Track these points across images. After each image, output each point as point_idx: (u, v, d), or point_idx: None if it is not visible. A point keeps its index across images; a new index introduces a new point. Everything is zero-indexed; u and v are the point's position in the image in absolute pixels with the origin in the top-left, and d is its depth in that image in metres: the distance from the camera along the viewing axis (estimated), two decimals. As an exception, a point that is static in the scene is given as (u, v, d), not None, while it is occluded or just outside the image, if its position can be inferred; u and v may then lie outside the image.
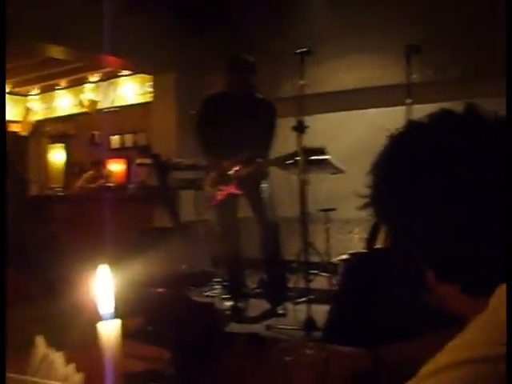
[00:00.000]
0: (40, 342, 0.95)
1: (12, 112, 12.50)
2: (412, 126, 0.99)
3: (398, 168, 0.92)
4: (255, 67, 5.34)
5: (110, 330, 0.85)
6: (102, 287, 0.86)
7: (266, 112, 5.36)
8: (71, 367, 0.90)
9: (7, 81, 11.40)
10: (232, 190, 5.31)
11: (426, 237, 0.87)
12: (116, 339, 0.86)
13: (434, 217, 0.85)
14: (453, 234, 0.84)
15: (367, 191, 0.97)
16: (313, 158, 5.55)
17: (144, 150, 8.59)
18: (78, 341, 1.13)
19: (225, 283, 6.40)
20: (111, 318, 0.85)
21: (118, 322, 0.86)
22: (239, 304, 5.48)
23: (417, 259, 0.91)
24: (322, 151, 5.01)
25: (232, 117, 5.32)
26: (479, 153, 0.84)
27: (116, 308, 0.87)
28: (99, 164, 9.70)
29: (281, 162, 5.26)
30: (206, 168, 5.61)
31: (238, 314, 5.33)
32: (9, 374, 0.88)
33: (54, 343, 0.98)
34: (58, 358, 0.92)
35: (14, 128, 12.47)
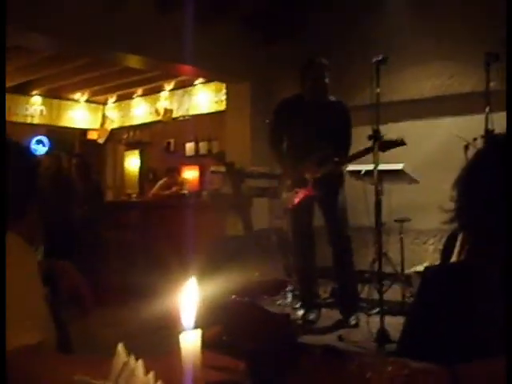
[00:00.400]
0: (121, 349, 0.96)
1: (90, 120, 12.82)
2: (496, 141, 0.97)
3: (485, 183, 0.89)
4: (329, 69, 5.31)
5: (191, 341, 0.85)
6: (186, 298, 0.87)
7: (340, 113, 5.34)
8: (151, 375, 0.91)
9: (86, 90, 11.71)
10: (309, 192, 5.25)
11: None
12: (196, 349, 0.86)
13: None
14: None
15: (452, 205, 0.95)
16: (388, 168, 5.49)
17: (218, 158, 8.67)
18: (158, 348, 1.15)
19: (297, 292, 6.39)
20: (193, 328, 0.86)
21: (198, 333, 0.86)
22: (311, 314, 5.44)
23: (503, 274, 0.89)
24: (401, 142, 4.90)
25: (307, 119, 5.29)
26: None
27: (195, 318, 0.87)
28: (174, 171, 9.82)
29: (357, 158, 5.17)
30: (282, 172, 5.57)
31: (309, 325, 5.29)
32: (93, 381, 0.89)
33: (132, 347, 0.99)
34: (138, 366, 0.93)
35: (91, 135, 12.78)
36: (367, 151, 4.92)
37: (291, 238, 5.73)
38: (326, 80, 5.29)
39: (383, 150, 4.83)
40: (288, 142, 5.53)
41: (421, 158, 6.64)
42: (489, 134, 4.89)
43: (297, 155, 5.35)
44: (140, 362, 0.93)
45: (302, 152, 5.30)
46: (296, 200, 5.32)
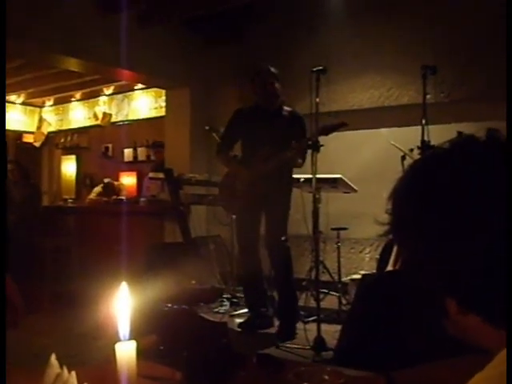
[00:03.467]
0: (54, 360, 0.93)
1: (26, 123, 12.58)
2: (433, 153, 0.97)
3: (420, 196, 0.90)
4: (278, 78, 5.34)
5: (126, 351, 0.84)
6: (120, 306, 0.85)
7: (294, 121, 5.35)
8: (84, 387, 0.89)
9: (22, 91, 11.49)
10: (258, 190, 5.23)
11: (449, 266, 0.85)
12: (131, 360, 0.85)
13: (456, 246, 0.84)
14: (476, 263, 0.82)
15: (387, 218, 0.95)
16: (326, 176, 5.55)
17: (157, 165, 8.63)
18: (89, 358, 1.12)
19: (234, 300, 6.38)
20: (127, 339, 0.84)
21: (133, 344, 0.85)
22: (253, 320, 5.44)
23: (437, 288, 0.89)
24: (342, 124, 4.98)
25: (261, 126, 5.30)
26: (502, 180, 0.82)
27: (130, 327, 0.86)
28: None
29: (301, 147, 5.17)
30: (234, 170, 5.54)
31: (250, 331, 5.29)
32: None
33: (64, 356, 0.97)
34: (71, 377, 0.90)
35: (27, 138, 12.54)
36: (309, 140, 4.94)
37: (236, 244, 5.71)
38: (276, 85, 5.31)
39: (326, 134, 4.88)
40: (242, 150, 5.55)
41: (359, 167, 6.73)
42: (425, 146, 5.00)
43: (248, 162, 5.36)
44: (73, 373, 0.91)
45: (253, 158, 5.31)
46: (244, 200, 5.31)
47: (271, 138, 5.23)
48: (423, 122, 5.18)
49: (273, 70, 5.37)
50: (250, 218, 5.42)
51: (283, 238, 5.22)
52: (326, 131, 4.89)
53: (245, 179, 5.29)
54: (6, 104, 12.08)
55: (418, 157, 4.72)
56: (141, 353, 0.89)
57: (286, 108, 5.42)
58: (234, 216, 5.88)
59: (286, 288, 5.40)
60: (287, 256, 5.35)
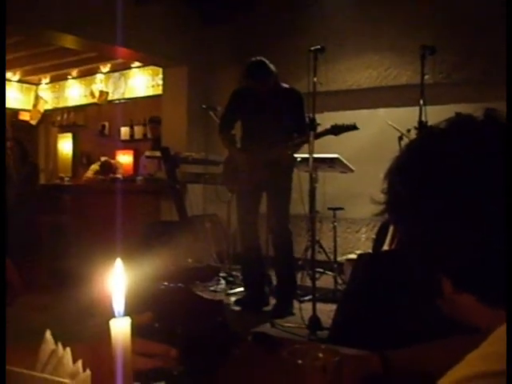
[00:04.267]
0: (48, 336, 0.93)
1: (22, 100, 12.53)
2: (430, 132, 0.97)
3: (415, 175, 0.90)
4: (271, 69, 5.27)
5: (121, 327, 0.84)
6: (115, 283, 0.85)
7: (291, 98, 5.32)
8: (79, 364, 0.89)
9: (18, 69, 11.44)
10: (262, 175, 5.23)
11: (444, 245, 0.85)
12: (126, 337, 0.85)
13: (452, 225, 0.83)
14: (471, 243, 0.82)
15: (382, 197, 0.95)
16: (323, 156, 5.55)
17: (156, 143, 8.61)
18: (85, 335, 1.12)
19: (230, 278, 6.40)
20: (122, 316, 0.84)
21: (128, 320, 0.85)
22: (249, 298, 5.47)
23: (432, 267, 0.89)
24: (354, 127, 4.97)
25: (258, 105, 5.29)
26: (500, 159, 0.82)
27: (125, 304, 0.86)
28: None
29: (304, 143, 5.16)
30: (231, 156, 5.54)
31: (245, 309, 5.32)
32: (17, 369, 0.87)
33: (60, 333, 0.97)
34: (66, 353, 0.90)
35: (23, 116, 12.50)
36: (320, 135, 4.94)
37: (237, 222, 5.71)
38: (268, 63, 5.25)
39: (336, 134, 4.89)
40: (242, 130, 5.54)
41: (356, 147, 6.72)
42: (422, 126, 4.99)
43: (249, 142, 5.35)
44: (68, 349, 0.91)
45: (254, 139, 5.31)
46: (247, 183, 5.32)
47: (268, 118, 5.22)
48: (421, 102, 5.17)
49: (267, 64, 5.27)
50: (251, 198, 5.42)
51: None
52: (337, 131, 4.89)
53: (246, 166, 5.29)
54: (2, 81, 12.05)
55: (415, 137, 4.73)
56: (136, 330, 0.89)
57: (283, 85, 5.38)
58: (233, 194, 5.87)
59: (287, 269, 5.42)
60: (289, 239, 5.38)
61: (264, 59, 5.23)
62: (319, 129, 4.85)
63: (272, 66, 5.21)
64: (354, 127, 4.94)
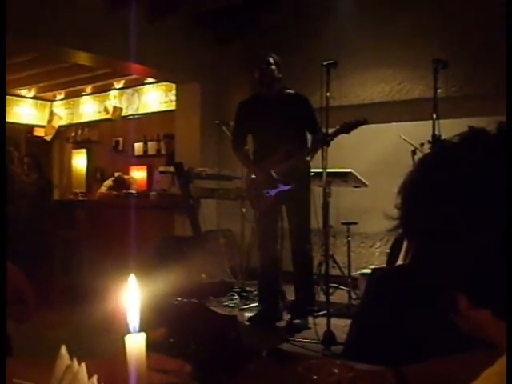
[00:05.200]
0: (64, 352, 0.94)
1: (37, 116, 12.61)
2: (443, 146, 0.96)
3: (429, 190, 0.89)
4: (278, 62, 5.31)
5: (136, 343, 0.84)
6: (129, 299, 0.85)
7: (298, 103, 5.31)
8: (94, 379, 0.89)
9: (34, 85, 11.52)
10: (280, 189, 5.22)
11: (459, 262, 0.84)
12: (141, 353, 0.85)
13: (467, 241, 0.83)
14: (487, 258, 0.81)
15: (396, 212, 0.95)
16: (337, 170, 5.53)
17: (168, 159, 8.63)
18: (100, 351, 1.13)
19: (244, 293, 6.39)
20: (137, 331, 0.84)
21: (143, 336, 0.85)
22: (263, 314, 5.44)
23: (447, 284, 0.89)
24: (363, 121, 4.94)
25: (266, 115, 5.28)
26: None
27: (140, 320, 0.86)
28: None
29: (318, 149, 5.15)
30: (248, 172, 5.54)
31: (259, 324, 5.29)
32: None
33: (75, 349, 0.97)
34: (81, 369, 0.91)
35: (38, 132, 12.58)
36: (326, 140, 4.92)
37: (258, 238, 5.70)
38: (272, 68, 5.26)
39: (347, 132, 4.86)
40: (253, 142, 5.54)
41: (369, 161, 6.72)
42: (436, 140, 4.98)
43: (261, 154, 5.35)
44: (83, 365, 0.91)
45: (266, 149, 5.30)
46: (266, 200, 5.30)
47: (278, 126, 5.21)
48: (434, 116, 5.16)
49: (272, 56, 5.32)
50: (271, 213, 5.40)
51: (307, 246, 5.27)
52: (347, 129, 4.87)
53: (262, 181, 5.27)
54: (17, 98, 12.13)
55: (429, 151, 4.71)
56: (150, 345, 0.89)
57: (288, 91, 5.38)
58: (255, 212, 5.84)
59: (306, 285, 5.40)
60: (309, 256, 5.37)
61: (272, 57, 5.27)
62: (332, 144, 4.83)
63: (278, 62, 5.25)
64: (363, 122, 4.91)
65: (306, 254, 5.35)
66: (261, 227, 5.56)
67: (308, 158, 5.25)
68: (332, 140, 4.78)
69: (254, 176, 5.40)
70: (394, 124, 7.12)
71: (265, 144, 5.36)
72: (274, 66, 5.29)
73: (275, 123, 5.23)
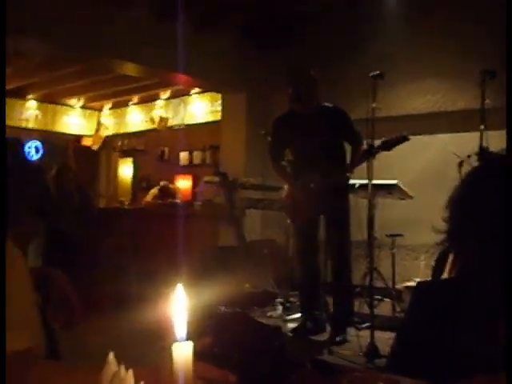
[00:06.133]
0: (112, 358, 0.95)
1: (85, 126, 12.81)
2: (491, 159, 0.96)
3: (478, 204, 0.89)
4: (313, 77, 5.27)
5: (183, 352, 0.85)
6: (177, 308, 0.86)
7: (335, 117, 5.29)
8: (141, 386, 0.90)
9: (81, 95, 11.71)
10: (318, 203, 5.21)
11: (506, 277, 0.84)
12: (188, 361, 0.86)
13: None
14: None
15: (443, 225, 0.94)
16: (382, 182, 5.50)
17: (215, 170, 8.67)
18: (148, 359, 1.14)
19: (287, 304, 6.37)
20: (184, 340, 0.85)
21: (191, 344, 0.86)
22: (307, 325, 5.42)
23: (494, 298, 0.88)
24: (405, 138, 4.88)
25: (303, 131, 5.25)
26: None
27: (187, 329, 0.87)
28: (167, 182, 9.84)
29: (358, 164, 5.14)
30: (287, 187, 5.54)
31: (302, 336, 5.27)
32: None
33: (121, 356, 0.99)
34: (128, 375, 0.92)
35: (86, 142, 12.77)
36: (366, 157, 4.89)
37: (296, 251, 5.71)
38: (306, 83, 5.24)
39: (389, 149, 4.81)
40: (292, 157, 5.54)
41: (415, 173, 6.66)
42: (484, 152, 4.91)
43: (301, 169, 5.34)
44: (130, 371, 0.93)
45: (305, 165, 5.29)
46: (305, 214, 5.30)
47: (315, 141, 5.18)
48: (481, 127, 5.09)
49: (306, 71, 5.30)
50: (310, 225, 5.40)
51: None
52: (389, 147, 4.83)
53: (301, 194, 5.27)
54: (66, 108, 12.34)
55: (476, 163, 4.65)
56: (196, 354, 0.90)
57: (326, 105, 5.34)
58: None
59: (345, 296, 5.38)
60: (349, 266, 5.35)
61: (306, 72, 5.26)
62: (377, 156, 4.81)
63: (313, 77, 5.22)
64: (404, 138, 4.85)
65: (346, 266, 5.33)
66: (299, 241, 5.57)
67: (348, 174, 5.23)
68: (373, 158, 4.75)
69: (292, 191, 5.40)
70: (440, 135, 7.05)
71: (303, 159, 5.35)
72: (307, 80, 5.26)
73: (312, 138, 5.20)
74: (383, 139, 4.80)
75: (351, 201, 5.45)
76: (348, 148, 5.38)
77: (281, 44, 8.26)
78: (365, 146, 5.02)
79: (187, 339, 0.86)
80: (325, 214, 5.34)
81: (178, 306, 0.87)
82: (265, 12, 7.27)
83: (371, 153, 4.76)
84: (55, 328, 1.74)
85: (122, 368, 0.94)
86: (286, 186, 5.57)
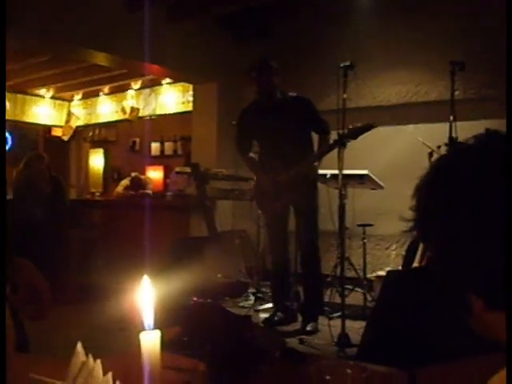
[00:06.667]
0: (79, 349, 0.95)
1: (55, 116, 12.68)
2: (457, 149, 0.96)
3: (444, 192, 0.89)
4: (275, 68, 5.27)
5: (151, 341, 0.85)
6: (144, 297, 0.86)
7: (299, 106, 5.29)
8: (110, 376, 0.90)
9: (51, 86, 11.58)
10: (286, 196, 5.24)
11: (475, 264, 0.84)
12: (156, 350, 0.86)
13: (483, 243, 0.83)
14: (504, 260, 0.81)
15: (411, 214, 0.95)
16: (353, 172, 5.53)
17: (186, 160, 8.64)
18: (115, 348, 1.13)
19: (259, 294, 6.39)
20: (152, 329, 0.85)
21: (158, 333, 0.86)
22: (278, 315, 5.45)
23: (462, 286, 0.89)
24: (370, 126, 4.90)
25: (268, 122, 5.28)
26: None
27: (155, 318, 0.87)
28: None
29: (324, 154, 5.19)
30: (254, 177, 5.56)
31: (273, 325, 5.30)
32: (48, 379, 0.88)
33: (90, 346, 0.98)
34: (97, 365, 0.91)
35: (56, 132, 12.65)
36: (333, 146, 4.93)
37: (267, 241, 5.74)
38: (268, 76, 5.24)
39: (355, 138, 4.84)
40: (258, 147, 5.56)
41: (385, 163, 6.70)
42: (452, 142, 4.96)
43: (267, 159, 5.36)
44: (98, 361, 0.92)
45: (271, 155, 5.31)
46: (273, 206, 5.32)
47: (280, 131, 5.21)
48: (451, 118, 5.14)
49: (267, 63, 5.30)
50: (279, 216, 5.42)
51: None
52: (356, 135, 4.85)
53: (268, 185, 5.29)
54: (36, 98, 12.21)
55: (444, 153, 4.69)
56: (164, 344, 0.90)
57: (290, 94, 5.36)
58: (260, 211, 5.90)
59: (314, 286, 5.41)
60: (317, 256, 5.37)
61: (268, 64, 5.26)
62: (348, 145, 4.83)
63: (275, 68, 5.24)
64: (370, 126, 4.88)
65: (314, 256, 5.36)
66: (270, 231, 5.59)
67: (316, 164, 5.26)
68: (344, 147, 4.77)
69: (259, 181, 5.43)
70: (411, 126, 7.10)
71: (269, 150, 5.38)
72: (269, 74, 5.26)
73: (277, 128, 5.23)
74: (349, 126, 4.82)
75: (323, 191, 5.47)
76: (315, 138, 5.40)
77: (255, 35, 8.24)
78: (333, 136, 5.05)
79: (155, 328, 0.86)
80: (292, 204, 5.37)
81: (146, 296, 0.86)
82: (240, 3, 7.24)
83: (341, 142, 4.78)
84: (24, 319, 1.72)
85: (90, 358, 0.94)
86: (254, 177, 5.60)
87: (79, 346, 0.95)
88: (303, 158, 5.19)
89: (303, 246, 5.37)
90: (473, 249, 0.84)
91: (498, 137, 0.89)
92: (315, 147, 5.38)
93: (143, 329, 0.85)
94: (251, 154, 5.58)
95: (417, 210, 0.93)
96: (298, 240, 5.44)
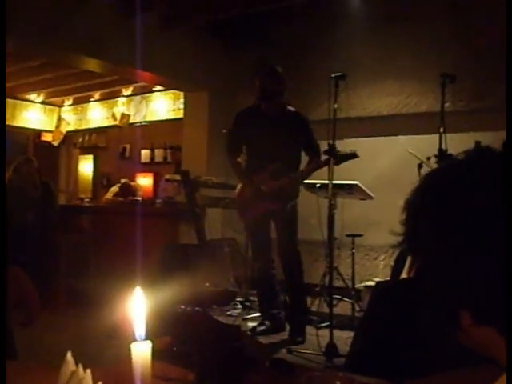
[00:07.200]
0: (69, 357, 0.95)
1: (45, 121, 12.64)
2: (448, 164, 0.97)
3: (433, 209, 0.90)
4: (283, 77, 5.25)
5: (141, 351, 0.85)
6: (135, 307, 0.86)
7: (296, 122, 5.30)
8: (99, 385, 0.90)
9: (42, 91, 11.55)
10: (267, 205, 5.25)
11: (463, 279, 0.85)
12: (146, 360, 0.86)
13: (473, 257, 0.83)
14: (493, 275, 0.82)
15: (401, 228, 0.95)
16: (343, 182, 5.54)
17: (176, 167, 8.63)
18: (104, 356, 1.13)
19: (247, 303, 6.39)
20: (143, 339, 0.85)
21: (149, 344, 0.86)
22: (265, 324, 5.44)
23: (450, 299, 0.89)
24: (354, 155, 4.94)
25: (263, 129, 5.26)
26: None
27: (146, 328, 0.87)
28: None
29: (310, 173, 5.23)
30: (239, 184, 5.55)
31: (258, 335, 5.29)
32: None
33: (79, 354, 0.98)
34: (86, 375, 0.91)
35: (46, 137, 12.61)
36: (321, 166, 4.98)
37: (251, 250, 5.74)
38: (275, 80, 5.22)
39: (337, 164, 4.87)
40: (247, 153, 5.54)
41: (375, 174, 6.72)
42: (443, 155, 4.98)
43: (254, 166, 5.35)
44: (88, 371, 0.92)
45: (258, 163, 5.30)
46: (254, 213, 5.32)
47: (272, 142, 5.20)
48: (441, 130, 5.16)
49: (276, 69, 5.28)
50: (261, 224, 5.42)
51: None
52: (339, 161, 4.88)
53: (252, 193, 5.29)
54: (26, 103, 12.17)
55: (435, 165, 4.71)
56: (155, 353, 0.90)
57: (289, 108, 5.36)
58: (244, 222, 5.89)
59: (297, 292, 5.41)
60: (298, 261, 5.37)
61: (276, 70, 5.25)
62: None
63: (282, 75, 5.23)
64: (354, 155, 4.93)
65: (296, 265, 5.36)
66: (253, 238, 5.61)
67: (300, 180, 5.29)
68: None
69: (243, 188, 5.43)
70: (401, 137, 7.12)
71: (258, 158, 5.35)
72: (276, 79, 5.25)
73: (270, 139, 5.22)
74: (337, 151, 4.84)
75: (312, 200, 5.48)
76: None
77: (247, 44, 8.25)
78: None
79: (146, 339, 0.86)
80: (273, 217, 5.37)
81: (137, 306, 0.86)
82: (234, 11, 7.25)
83: (320, 165, 4.86)
84: (12, 325, 1.72)
85: (80, 367, 0.93)
86: (238, 184, 5.59)
87: (69, 354, 0.95)
88: (289, 171, 5.19)
89: (285, 255, 5.37)
90: (461, 264, 0.84)
91: (488, 152, 0.90)
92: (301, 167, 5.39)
93: (134, 339, 0.85)
94: (239, 160, 5.57)
95: (406, 224, 0.94)
96: (279, 248, 5.43)
